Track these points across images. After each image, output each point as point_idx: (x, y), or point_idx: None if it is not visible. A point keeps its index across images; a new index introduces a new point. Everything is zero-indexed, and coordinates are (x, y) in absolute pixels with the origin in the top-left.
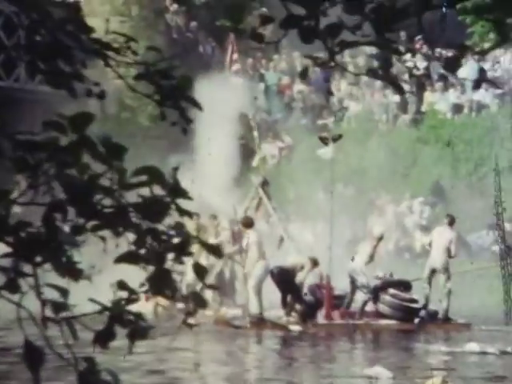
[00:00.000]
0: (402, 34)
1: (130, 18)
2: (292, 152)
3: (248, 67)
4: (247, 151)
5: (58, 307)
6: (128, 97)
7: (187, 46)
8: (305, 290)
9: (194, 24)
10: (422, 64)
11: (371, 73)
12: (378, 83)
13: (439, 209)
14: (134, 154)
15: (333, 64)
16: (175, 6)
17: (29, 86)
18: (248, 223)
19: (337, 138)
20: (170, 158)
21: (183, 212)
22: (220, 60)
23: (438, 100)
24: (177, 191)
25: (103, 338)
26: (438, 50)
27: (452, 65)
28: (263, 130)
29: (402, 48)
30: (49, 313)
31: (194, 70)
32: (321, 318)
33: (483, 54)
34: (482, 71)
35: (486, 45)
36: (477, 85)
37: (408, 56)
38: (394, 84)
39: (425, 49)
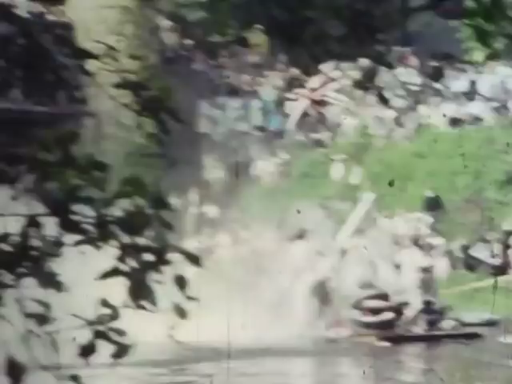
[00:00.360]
0: (397, 49)
1: (124, 36)
2: (289, 168)
3: (244, 84)
4: (246, 165)
5: (41, 320)
6: (124, 115)
7: (181, 64)
8: None
9: (187, 41)
10: (417, 79)
11: (357, 84)
12: (374, 98)
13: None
14: (130, 173)
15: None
16: (168, 23)
17: (25, 107)
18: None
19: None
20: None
21: (165, 224)
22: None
23: (434, 113)
24: (159, 203)
25: (86, 352)
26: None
27: (436, 74)
28: (259, 146)
29: (391, 60)
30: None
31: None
32: None
33: (472, 64)
34: (472, 84)
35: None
36: (469, 97)
37: (402, 70)
38: (379, 95)
39: (414, 62)
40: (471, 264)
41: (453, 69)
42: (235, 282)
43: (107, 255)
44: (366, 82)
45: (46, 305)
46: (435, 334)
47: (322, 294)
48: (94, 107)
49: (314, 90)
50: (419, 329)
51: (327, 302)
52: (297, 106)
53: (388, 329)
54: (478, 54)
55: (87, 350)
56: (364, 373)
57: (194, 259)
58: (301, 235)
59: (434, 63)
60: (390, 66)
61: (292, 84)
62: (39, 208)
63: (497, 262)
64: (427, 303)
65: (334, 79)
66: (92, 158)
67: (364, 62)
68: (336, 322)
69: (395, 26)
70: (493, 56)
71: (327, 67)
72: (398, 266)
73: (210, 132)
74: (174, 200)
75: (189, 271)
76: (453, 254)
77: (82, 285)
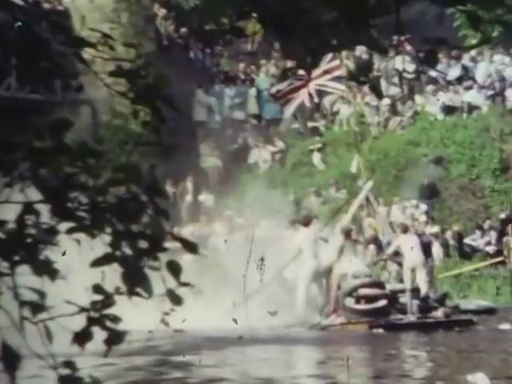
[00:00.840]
0: (395, 38)
1: (119, 24)
2: (284, 156)
3: (240, 72)
4: (242, 153)
5: (36, 308)
6: (119, 103)
7: (177, 52)
8: None
9: (183, 30)
10: (411, 67)
11: (350, 76)
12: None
13: (432, 210)
14: (126, 160)
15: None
16: (164, 12)
17: (20, 95)
18: (306, 222)
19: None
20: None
21: (160, 211)
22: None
23: (429, 102)
24: (154, 190)
25: (81, 339)
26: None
27: (430, 58)
28: (255, 134)
29: (386, 46)
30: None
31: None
32: None
33: (465, 50)
34: (464, 68)
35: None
36: (464, 85)
37: (398, 59)
38: (374, 88)
39: (409, 49)
40: (466, 252)
41: (448, 57)
42: (231, 269)
43: (103, 243)
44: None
45: (40, 293)
46: (428, 321)
47: (322, 281)
48: (90, 95)
49: (311, 79)
50: (413, 316)
51: (326, 290)
52: (295, 95)
53: (382, 316)
54: (472, 41)
55: (83, 337)
56: (347, 360)
57: (190, 247)
58: (307, 222)
59: (428, 47)
60: (383, 51)
61: (287, 77)
62: (35, 195)
63: (492, 249)
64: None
65: (333, 69)
66: (86, 145)
67: (360, 51)
68: (333, 309)
69: (390, 12)
70: (485, 42)
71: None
72: (396, 253)
73: (206, 120)
74: (169, 188)
75: (184, 259)
76: (448, 241)
77: (79, 272)
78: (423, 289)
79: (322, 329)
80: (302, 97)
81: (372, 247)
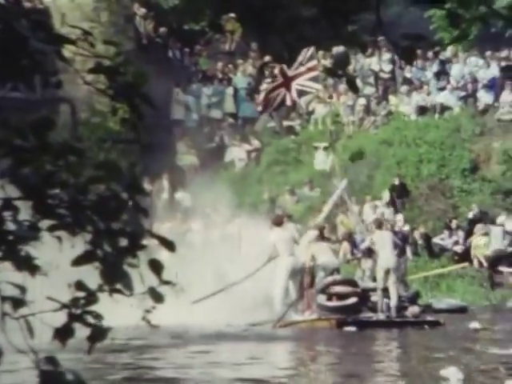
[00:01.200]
0: (381, 39)
1: (99, 23)
2: (260, 154)
3: (217, 71)
4: (218, 151)
5: (17, 304)
6: (98, 102)
7: (156, 51)
8: None
9: (162, 29)
10: (387, 67)
11: (328, 71)
12: (344, 85)
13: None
14: (105, 158)
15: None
16: (143, 11)
17: (0, 93)
18: (278, 222)
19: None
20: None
21: (140, 209)
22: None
23: (403, 102)
24: (134, 188)
25: (62, 335)
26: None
27: (408, 54)
28: (232, 133)
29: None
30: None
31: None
32: None
33: (442, 46)
34: (441, 63)
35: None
36: (437, 86)
37: (374, 59)
38: (350, 83)
39: (386, 50)
40: (434, 251)
41: (424, 59)
42: (207, 266)
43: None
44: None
45: (21, 288)
46: (396, 320)
47: (298, 278)
48: (69, 94)
49: (289, 78)
50: (383, 315)
51: (300, 287)
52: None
53: (352, 314)
54: (450, 45)
55: (64, 334)
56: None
57: (168, 244)
58: (279, 221)
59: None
60: (362, 46)
61: (263, 72)
62: (15, 192)
63: (460, 249)
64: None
65: (311, 68)
66: (68, 143)
67: (337, 49)
68: (307, 306)
69: (370, 9)
70: (462, 37)
71: (302, 56)
72: (367, 252)
73: (183, 118)
74: (146, 185)
75: (162, 256)
76: (416, 240)
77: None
78: (392, 290)
79: (288, 325)
80: (282, 96)
81: (346, 244)
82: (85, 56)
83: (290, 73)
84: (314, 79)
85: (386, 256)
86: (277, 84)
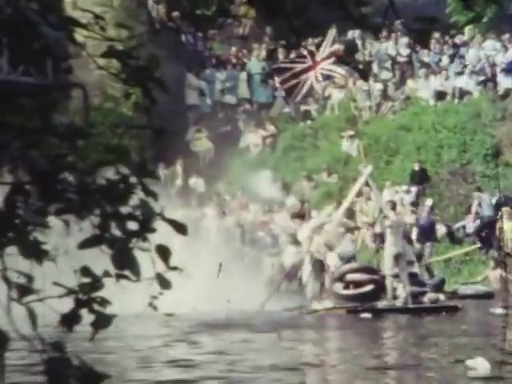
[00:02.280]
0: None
1: (111, 8)
2: (275, 140)
3: (231, 56)
4: (233, 137)
5: (24, 290)
6: (111, 87)
7: (169, 36)
8: None
9: (175, 14)
10: (404, 51)
11: (339, 59)
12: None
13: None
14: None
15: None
16: None
17: (11, 77)
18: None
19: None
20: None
21: (149, 193)
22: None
23: (421, 87)
24: (143, 171)
25: (69, 321)
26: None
27: (422, 37)
28: (247, 118)
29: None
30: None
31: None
32: None
33: (457, 29)
34: (456, 46)
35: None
36: (456, 70)
37: (390, 43)
38: (359, 70)
39: (402, 34)
40: (457, 237)
41: (440, 43)
42: (222, 253)
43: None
44: (346, 57)
45: (28, 275)
46: (412, 307)
47: (316, 267)
48: (81, 79)
49: (318, 62)
50: (399, 302)
51: (321, 275)
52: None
53: (368, 301)
54: (464, 26)
55: (70, 320)
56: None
57: (180, 228)
58: (301, 215)
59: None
60: (374, 29)
61: (272, 58)
62: (24, 177)
63: (483, 234)
64: (412, 275)
65: (334, 52)
66: (74, 125)
67: (353, 34)
68: (325, 294)
69: None
70: (477, 19)
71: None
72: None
73: (198, 103)
74: (162, 171)
75: (174, 242)
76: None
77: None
78: (403, 277)
79: (305, 313)
80: (310, 81)
81: (364, 231)
82: (97, 39)
83: (318, 56)
84: (337, 63)
85: (395, 242)
86: (305, 67)
